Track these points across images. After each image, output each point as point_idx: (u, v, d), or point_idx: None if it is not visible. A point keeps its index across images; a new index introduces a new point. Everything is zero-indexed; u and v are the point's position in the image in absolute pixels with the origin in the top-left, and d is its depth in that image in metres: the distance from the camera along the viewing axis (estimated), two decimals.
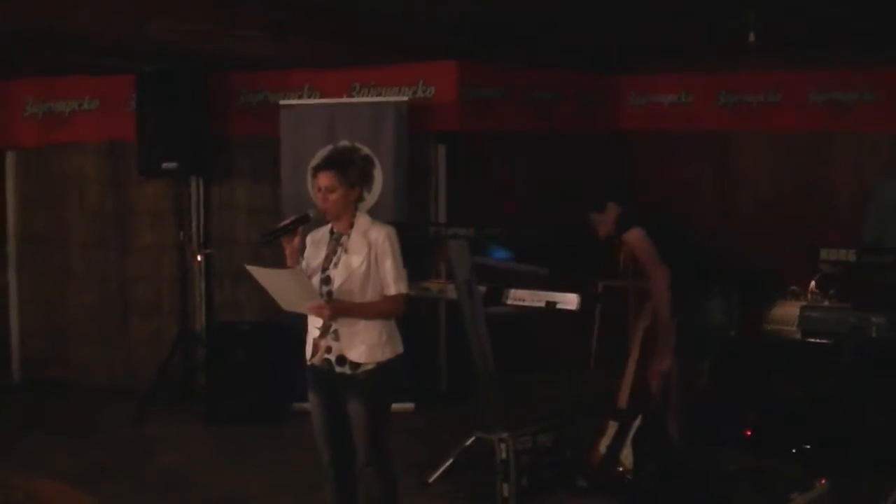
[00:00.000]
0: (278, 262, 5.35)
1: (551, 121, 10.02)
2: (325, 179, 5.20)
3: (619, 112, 10.82)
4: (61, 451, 7.63)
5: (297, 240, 5.26)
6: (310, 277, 5.22)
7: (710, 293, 7.18)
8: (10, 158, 9.55)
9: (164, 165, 8.60)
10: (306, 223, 5.30)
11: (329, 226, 5.33)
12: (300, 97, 8.98)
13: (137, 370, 9.20)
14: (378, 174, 5.94)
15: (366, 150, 5.71)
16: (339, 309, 5.14)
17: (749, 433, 7.08)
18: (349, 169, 5.22)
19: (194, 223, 9.19)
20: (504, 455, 6.35)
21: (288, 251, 5.27)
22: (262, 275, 5.17)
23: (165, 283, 9.33)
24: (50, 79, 9.32)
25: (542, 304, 6.24)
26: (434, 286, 6.92)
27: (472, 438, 6.72)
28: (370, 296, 5.19)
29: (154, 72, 8.67)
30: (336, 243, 5.26)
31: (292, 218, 5.32)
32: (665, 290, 6.41)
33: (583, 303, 6.22)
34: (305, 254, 5.34)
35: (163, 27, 7.55)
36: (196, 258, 9.12)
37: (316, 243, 5.35)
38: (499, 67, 9.44)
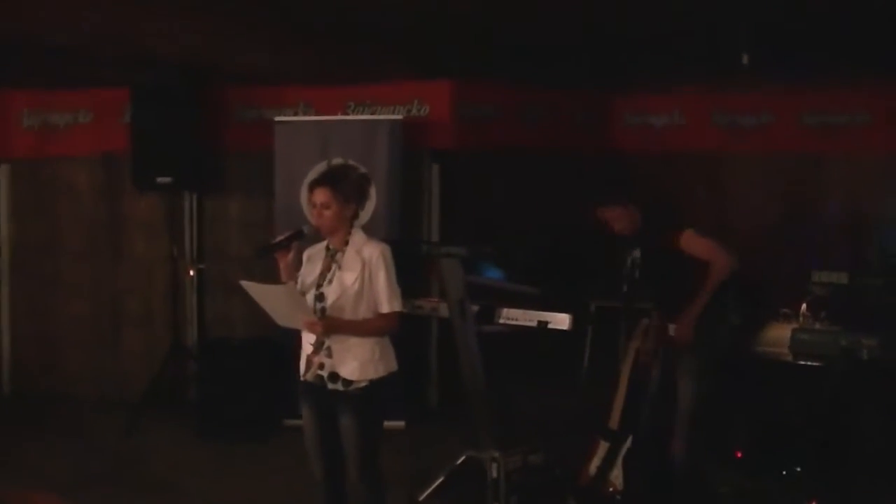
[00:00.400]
0: (271, 276, 5.37)
1: (546, 139, 10.02)
2: (320, 195, 5.22)
3: (614, 131, 10.83)
4: (52, 461, 7.65)
5: (291, 255, 5.30)
6: (305, 293, 5.25)
7: (726, 312, 7.16)
8: (4, 169, 9.58)
9: (159, 180, 8.62)
10: (301, 239, 5.34)
11: (325, 242, 5.35)
12: (295, 113, 9.01)
13: (128, 382, 9.19)
14: (372, 192, 5.97)
15: (362, 168, 5.72)
16: (331, 326, 5.16)
17: (739, 455, 7.09)
18: (344, 185, 5.25)
19: (187, 237, 9.22)
20: (495, 474, 6.37)
21: (282, 266, 5.30)
22: (255, 290, 5.19)
23: (158, 295, 9.35)
24: (47, 91, 9.34)
25: (534, 324, 6.25)
26: (426, 304, 6.92)
27: (463, 457, 6.72)
28: (363, 313, 5.21)
29: (149, 85, 8.68)
30: (331, 259, 5.28)
31: (287, 234, 5.35)
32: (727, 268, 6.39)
33: (575, 323, 6.24)
34: (301, 270, 5.36)
35: (159, 41, 7.57)
36: (189, 272, 9.14)
37: (312, 259, 5.37)
38: (493, 86, 9.45)
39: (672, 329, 6.24)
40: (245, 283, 5.18)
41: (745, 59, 7.69)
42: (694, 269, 6.27)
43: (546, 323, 6.21)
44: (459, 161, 9.09)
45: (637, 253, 6.44)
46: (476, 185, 9.21)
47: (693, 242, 6.31)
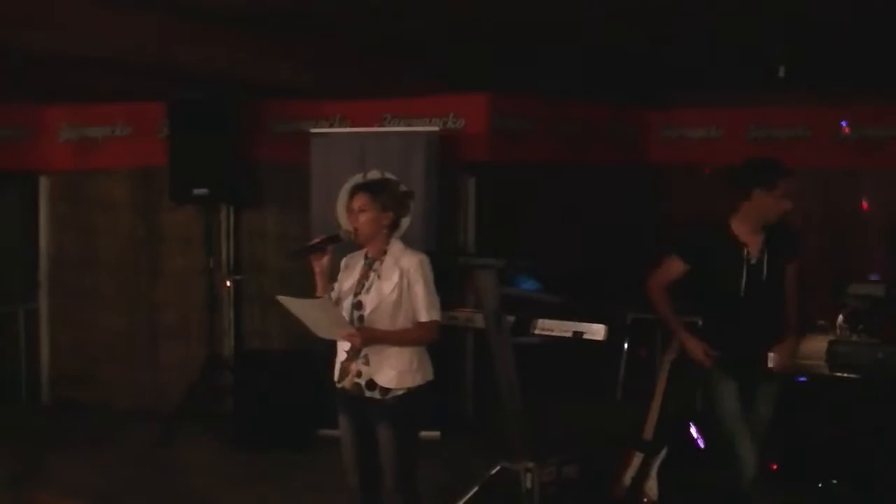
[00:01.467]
0: (307, 289, 5.40)
1: (581, 153, 10.06)
2: (358, 200, 5.28)
3: (649, 145, 10.86)
4: (87, 471, 7.72)
5: (325, 259, 5.30)
6: (342, 300, 5.30)
7: None
8: (43, 183, 9.69)
9: (195, 192, 8.69)
10: (336, 243, 5.35)
11: (364, 251, 5.39)
12: (331, 126, 9.07)
13: (165, 393, 9.26)
14: (412, 206, 6.01)
15: (405, 185, 5.77)
16: (369, 336, 5.19)
17: (775, 467, 7.08)
18: (383, 194, 5.31)
19: (224, 249, 9.30)
20: (529, 485, 6.38)
21: (317, 270, 5.31)
22: (292, 305, 5.21)
23: (194, 308, 9.42)
24: (84, 105, 9.47)
25: (570, 335, 6.26)
26: (462, 315, 6.94)
27: (498, 468, 6.71)
28: (401, 322, 5.24)
29: (186, 99, 8.77)
30: (369, 268, 5.31)
31: (323, 237, 5.40)
32: None
33: (610, 334, 6.26)
34: (339, 276, 5.40)
35: (196, 57, 7.65)
36: (226, 283, 9.20)
37: (350, 266, 5.42)
38: (529, 99, 9.49)
39: (772, 358, 5.99)
40: (282, 298, 5.20)
41: (781, 72, 7.71)
42: (783, 293, 6.17)
43: (581, 333, 6.22)
44: (495, 174, 9.13)
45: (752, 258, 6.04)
46: (511, 197, 9.25)
47: (796, 269, 6.17)
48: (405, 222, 5.77)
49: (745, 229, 5.99)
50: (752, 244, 5.95)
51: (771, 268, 5.93)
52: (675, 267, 6.15)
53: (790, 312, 6.09)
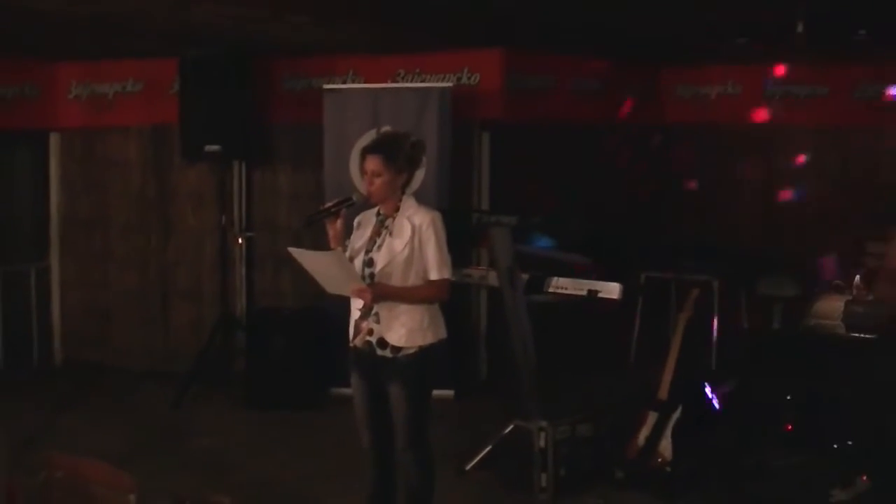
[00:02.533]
0: (320, 245, 5.38)
1: (597, 111, 10.02)
2: (371, 163, 5.21)
3: (666, 104, 10.80)
4: (101, 431, 7.76)
5: (339, 222, 5.29)
6: (353, 258, 5.26)
7: None
8: (53, 140, 9.70)
9: (207, 148, 8.66)
10: (350, 206, 5.32)
11: (376, 208, 5.34)
12: (344, 82, 9.06)
13: (177, 354, 9.31)
14: (423, 159, 5.98)
15: (415, 136, 5.70)
16: (380, 293, 5.15)
17: (790, 428, 7.08)
18: (397, 154, 5.22)
19: (236, 207, 9.31)
20: (543, 444, 6.38)
21: (331, 234, 5.30)
22: (304, 257, 5.21)
23: (206, 267, 9.46)
24: (94, 62, 9.44)
25: (584, 293, 6.27)
26: (476, 273, 6.95)
27: (511, 426, 6.73)
28: (413, 280, 5.20)
29: (198, 56, 8.73)
30: (381, 225, 5.27)
31: (336, 200, 5.36)
32: None
33: (625, 292, 6.25)
34: (352, 235, 5.36)
35: (209, 11, 7.60)
36: (238, 241, 9.21)
37: (362, 224, 5.37)
38: (545, 56, 9.44)
39: None
40: (293, 250, 5.19)
41: (799, 28, 7.64)
42: None
43: (596, 292, 6.22)
44: (509, 131, 9.09)
45: None
46: (526, 155, 9.20)
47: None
48: (419, 175, 5.74)
49: None
50: None
51: None
52: None
53: None
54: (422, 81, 8.99)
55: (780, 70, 10.13)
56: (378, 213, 5.34)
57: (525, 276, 6.52)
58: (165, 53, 8.89)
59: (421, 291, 5.24)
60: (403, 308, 5.21)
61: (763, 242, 10.11)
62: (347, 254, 5.30)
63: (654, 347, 7.82)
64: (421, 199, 5.45)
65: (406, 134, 5.49)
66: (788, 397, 7.14)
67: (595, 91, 10.04)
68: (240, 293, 9.37)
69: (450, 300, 5.34)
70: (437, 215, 5.28)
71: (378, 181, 5.21)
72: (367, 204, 5.35)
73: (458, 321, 6.11)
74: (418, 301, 5.24)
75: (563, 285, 6.39)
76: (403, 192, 5.30)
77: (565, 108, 9.69)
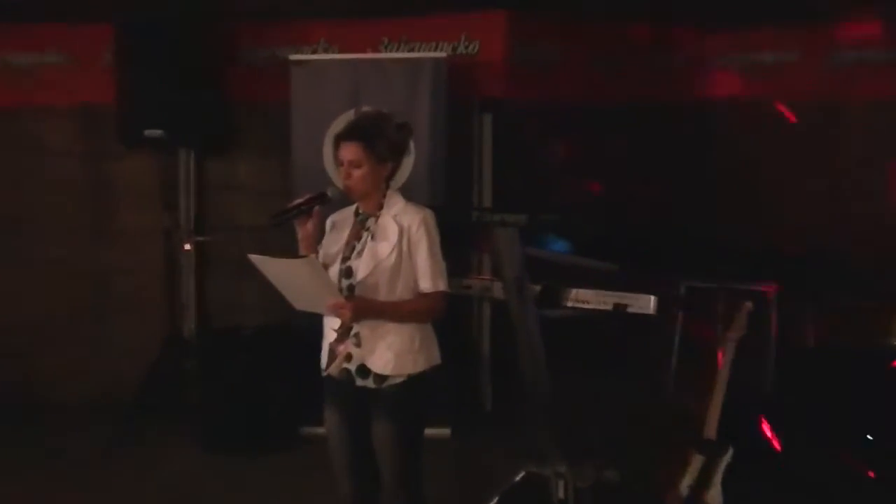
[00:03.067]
0: (289, 251, 5.34)
1: (621, 87, 9.97)
2: (349, 152, 5.18)
3: (704, 76, 10.76)
4: (17, 482, 7.66)
5: (312, 223, 5.25)
6: (328, 267, 5.22)
7: None
8: None
9: (149, 133, 8.63)
10: (324, 203, 5.29)
11: (355, 206, 5.33)
12: (316, 53, 9.08)
13: (116, 383, 9.20)
14: (411, 145, 5.93)
15: (402, 118, 5.65)
16: (362, 308, 5.11)
17: (871, 475, 7.03)
18: (379, 140, 5.21)
19: (184, 205, 9.30)
20: (561, 494, 6.33)
21: (301, 236, 5.26)
22: (268, 266, 5.15)
23: (150, 277, 9.47)
24: (7, 25, 9.29)
25: (610, 307, 6.20)
26: (477, 283, 6.89)
27: (522, 473, 6.68)
28: (400, 292, 5.19)
29: (137, 21, 8.68)
30: (361, 227, 5.26)
31: (308, 196, 5.30)
32: None
33: (661, 306, 6.19)
34: (325, 239, 5.35)
35: None
36: (185, 246, 9.17)
37: (338, 226, 5.36)
38: (557, 21, 9.41)
39: None
40: (255, 258, 5.13)
41: None
42: None
43: (625, 306, 6.15)
44: (516, 111, 9.08)
45: None
46: (536, 141, 9.17)
47: None
48: (407, 165, 5.71)
49: None
50: None
51: None
52: None
53: None
54: (410, 51, 9.00)
55: (852, 30, 10.08)
56: (357, 212, 5.34)
57: (537, 287, 6.46)
58: (97, 17, 8.83)
59: (410, 306, 5.23)
60: (389, 327, 5.18)
61: (831, 244, 10.03)
62: (320, 260, 5.26)
63: (698, 373, 7.78)
64: (409, 194, 5.43)
65: (390, 115, 5.46)
66: (869, 436, 7.12)
67: (618, 63, 9.98)
68: (190, 309, 9.33)
69: (446, 317, 5.32)
70: (430, 213, 5.27)
71: (357, 173, 5.19)
72: (344, 200, 5.33)
73: (455, 342, 6.05)
74: (408, 318, 5.22)
75: (583, 298, 6.32)
76: (388, 186, 5.30)
77: (583, 84, 9.67)
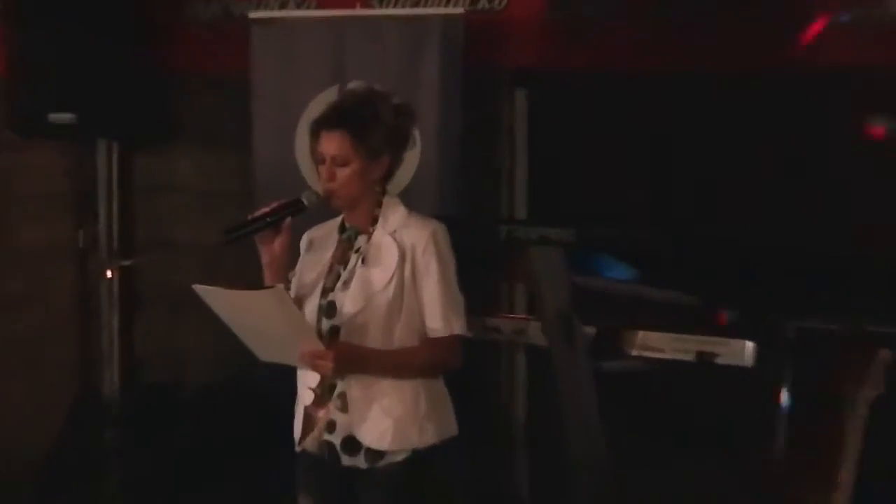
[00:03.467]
0: (250, 278, 5.36)
1: (705, 52, 9.97)
2: (332, 144, 5.19)
3: (813, 36, 10.78)
4: None
5: (280, 241, 5.25)
6: (302, 301, 5.25)
7: None
8: None
9: (54, 118, 8.63)
10: (298, 214, 5.27)
11: (339, 218, 5.36)
12: (284, 8, 9.07)
13: (9, 457, 9.23)
14: (416, 134, 5.93)
15: (399, 97, 5.66)
16: (348, 359, 5.10)
17: None
18: (372, 129, 5.21)
19: (105, 215, 9.31)
20: None
21: (266, 259, 5.26)
22: (220, 300, 5.14)
23: (56, 313, 9.47)
24: None
25: (692, 357, 6.23)
26: (507, 325, 6.92)
27: None
28: (401, 337, 5.19)
29: None
30: (348, 247, 5.27)
31: (275, 205, 5.29)
32: None
33: (763, 357, 6.21)
34: (298, 264, 5.37)
35: None
36: (106, 273, 9.18)
37: (316, 246, 5.38)
38: None
39: None
40: (200, 288, 5.11)
41: None
42: None
43: (712, 355, 6.18)
44: (559, 86, 9.07)
45: None
46: (588, 126, 9.18)
47: None
48: (410, 162, 5.71)
49: None
50: None
51: None
52: None
53: None
54: (414, 6, 8.97)
55: None
56: (343, 227, 5.35)
57: (590, 329, 6.49)
58: None
59: (415, 357, 5.24)
60: (386, 385, 5.19)
61: None
62: (292, 293, 5.28)
63: (813, 446, 7.78)
64: (414, 198, 5.46)
65: (387, 94, 5.47)
66: None
67: (692, 21, 9.97)
68: (112, 359, 9.33)
69: (463, 370, 5.32)
70: (441, 228, 5.27)
71: (343, 173, 5.19)
72: (325, 211, 5.33)
73: (478, 406, 6.04)
74: (411, 372, 5.23)
75: (654, 344, 6.35)
76: (385, 191, 5.32)
77: (652, 49, 9.64)
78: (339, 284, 5.19)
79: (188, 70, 9.30)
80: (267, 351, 5.25)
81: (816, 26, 10.46)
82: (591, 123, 9.15)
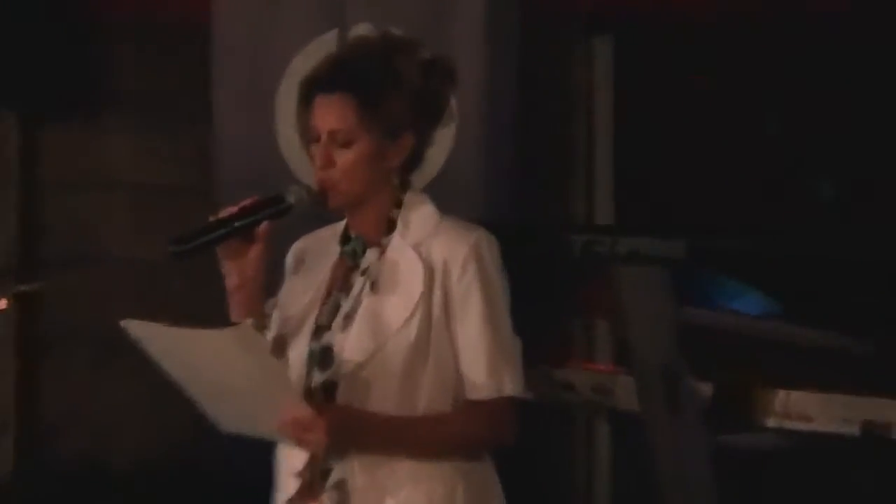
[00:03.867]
0: (209, 311, 5.16)
1: None
2: (330, 114, 5.01)
3: None
4: None
5: (254, 255, 5.05)
6: (285, 345, 5.08)
7: None
8: None
9: None
10: (280, 216, 5.08)
11: (339, 225, 5.19)
12: None
13: None
14: (453, 104, 5.76)
15: (429, 49, 5.47)
16: (349, 428, 4.92)
17: None
18: (388, 93, 5.03)
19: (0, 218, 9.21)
20: None
21: (234, 283, 5.07)
22: (162, 340, 4.94)
23: None
24: None
25: (855, 430, 6.10)
26: (583, 379, 6.80)
27: None
28: (426, 397, 5.01)
29: None
30: (351, 266, 5.10)
31: (247, 203, 5.13)
32: None
33: None
34: (282, 291, 5.20)
35: None
36: (2, 300, 9.11)
37: (306, 266, 5.22)
38: None
39: None
40: (135, 325, 4.91)
41: None
42: None
43: (887, 428, 6.04)
44: (657, 36, 8.96)
45: None
46: (696, 89, 9.09)
47: None
48: (444, 140, 5.54)
49: None
50: None
51: None
52: None
53: None
54: None
55: None
56: (346, 238, 5.17)
57: (706, 388, 6.35)
58: None
59: (448, 427, 5.07)
60: (405, 470, 5.01)
61: None
62: (271, 332, 5.11)
63: None
64: (447, 199, 5.24)
65: (411, 43, 5.29)
66: None
67: None
68: (5, 425, 9.27)
69: (519, 446, 5.12)
70: (487, 240, 5.07)
71: (346, 156, 5.00)
72: (319, 213, 5.13)
73: (542, 494, 5.90)
74: (442, 451, 5.06)
75: (801, 410, 6.23)
76: (407, 185, 5.15)
77: None
78: (338, 321, 5.02)
79: (120, 15, 9.21)
80: (231, 417, 5.05)
81: None
82: (706, 87, 9.07)
